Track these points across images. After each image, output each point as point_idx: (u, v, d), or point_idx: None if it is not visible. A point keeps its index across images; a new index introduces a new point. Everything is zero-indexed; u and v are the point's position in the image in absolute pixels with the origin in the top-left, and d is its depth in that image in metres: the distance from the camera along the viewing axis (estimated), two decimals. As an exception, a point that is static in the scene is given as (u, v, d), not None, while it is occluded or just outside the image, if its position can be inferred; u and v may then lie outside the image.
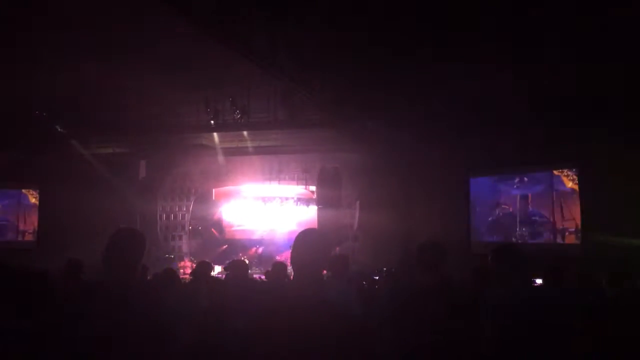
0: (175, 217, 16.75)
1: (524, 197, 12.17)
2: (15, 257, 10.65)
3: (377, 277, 10.23)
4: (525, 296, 3.14)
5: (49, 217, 15.31)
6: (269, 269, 7.17)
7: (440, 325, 2.92)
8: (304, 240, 2.82)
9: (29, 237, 15.75)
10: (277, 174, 15.81)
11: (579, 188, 11.15)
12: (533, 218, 12.04)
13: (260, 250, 16.59)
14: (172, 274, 5.79)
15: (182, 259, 15.97)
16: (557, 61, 8.68)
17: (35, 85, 10.01)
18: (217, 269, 14.95)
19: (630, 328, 3.47)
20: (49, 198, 15.49)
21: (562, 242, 11.37)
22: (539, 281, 5.40)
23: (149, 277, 7.25)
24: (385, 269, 11.14)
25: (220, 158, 14.93)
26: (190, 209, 16.79)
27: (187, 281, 7.66)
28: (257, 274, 12.59)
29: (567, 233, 11.39)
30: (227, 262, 14.50)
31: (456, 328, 2.93)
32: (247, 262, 7.24)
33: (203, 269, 5.73)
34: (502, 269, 3.27)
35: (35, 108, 11.46)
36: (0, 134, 12.00)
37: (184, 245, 16.71)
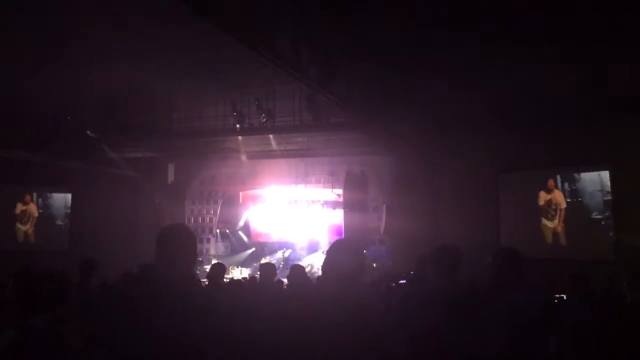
0: (203, 220, 16.91)
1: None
2: (48, 259, 10.86)
3: (404, 281, 10.15)
4: (526, 302, 3.07)
5: (80, 220, 15.61)
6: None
7: (447, 329, 2.88)
8: (337, 250, 2.87)
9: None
10: (303, 177, 15.82)
11: (612, 189, 10.90)
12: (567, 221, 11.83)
13: (286, 253, 16.61)
14: (192, 276, 5.82)
15: (209, 262, 16.09)
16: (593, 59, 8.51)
17: (67, 90, 10.22)
18: (245, 272, 15.08)
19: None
20: (80, 201, 15.81)
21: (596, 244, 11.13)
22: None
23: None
24: (412, 272, 11.02)
25: (247, 161, 15.04)
26: (218, 212, 16.93)
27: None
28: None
29: (600, 235, 11.14)
30: (255, 265, 14.60)
31: (462, 333, 2.89)
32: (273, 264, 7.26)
33: (217, 271, 5.75)
34: (502, 273, 3.22)
35: (67, 113, 11.70)
36: (34, 138, 12.28)
37: (212, 248, 16.86)
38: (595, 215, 11.40)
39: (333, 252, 2.92)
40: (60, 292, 2.81)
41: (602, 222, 11.25)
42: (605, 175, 11.17)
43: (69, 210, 16.12)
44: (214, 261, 15.93)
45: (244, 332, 3.56)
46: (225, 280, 6.98)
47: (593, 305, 3.84)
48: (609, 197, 11.06)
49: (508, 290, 3.15)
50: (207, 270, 15.22)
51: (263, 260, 16.11)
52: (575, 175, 11.74)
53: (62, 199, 16.23)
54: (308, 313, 2.73)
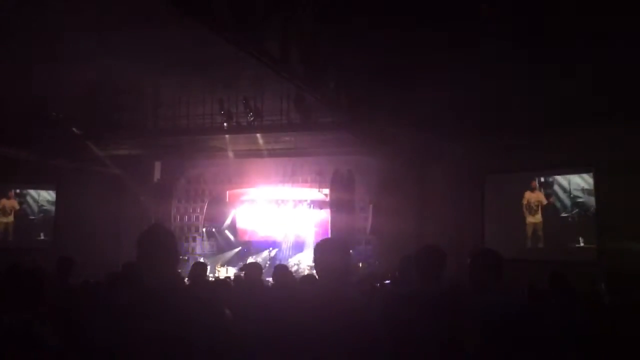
0: (189, 218, 16.83)
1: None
2: (31, 256, 10.76)
3: (389, 281, 10.19)
4: (501, 305, 3.08)
5: (64, 217, 15.48)
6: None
7: (425, 329, 2.90)
8: (324, 248, 2.88)
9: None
10: (290, 177, 15.81)
11: (595, 191, 11.03)
12: (549, 223, 11.95)
13: (273, 252, 16.59)
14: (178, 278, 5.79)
15: (195, 260, 16.04)
16: (572, 61, 8.59)
17: (52, 86, 10.13)
18: (231, 271, 15.03)
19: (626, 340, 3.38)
20: (65, 198, 15.67)
21: (578, 246, 11.26)
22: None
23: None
24: (397, 273, 11.07)
25: (234, 160, 15.01)
26: (204, 210, 16.86)
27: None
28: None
29: (582, 238, 11.27)
30: (241, 264, 14.57)
31: (440, 333, 2.91)
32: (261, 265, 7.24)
33: (198, 270, 5.72)
34: (479, 274, 3.23)
35: (51, 109, 11.59)
36: (17, 134, 12.14)
37: (198, 247, 16.78)
38: (574, 217, 11.53)
39: (320, 250, 2.92)
40: (31, 289, 2.79)
41: (583, 224, 11.37)
42: (588, 178, 11.30)
43: (50, 206, 15.96)
44: (200, 260, 15.93)
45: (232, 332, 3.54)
46: (209, 279, 6.95)
47: (573, 307, 3.88)
48: (591, 200, 11.19)
49: (485, 291, 3.16)
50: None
51: (249, 260, 16.08)
52: (558, 177, 11.87)
53: (42, 195, 16.06)
54: (296, 313, 2.73)
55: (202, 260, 15.65)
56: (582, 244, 11.18)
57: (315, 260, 2.90)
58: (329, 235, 14.46)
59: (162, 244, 2.64)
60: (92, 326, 2.54)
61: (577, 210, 11.49)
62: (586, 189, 11.31)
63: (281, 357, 2.67)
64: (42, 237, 15.76)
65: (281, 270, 5.68)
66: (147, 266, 2.59)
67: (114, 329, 2.41)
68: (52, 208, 16.00)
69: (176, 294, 2.56)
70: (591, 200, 11.19)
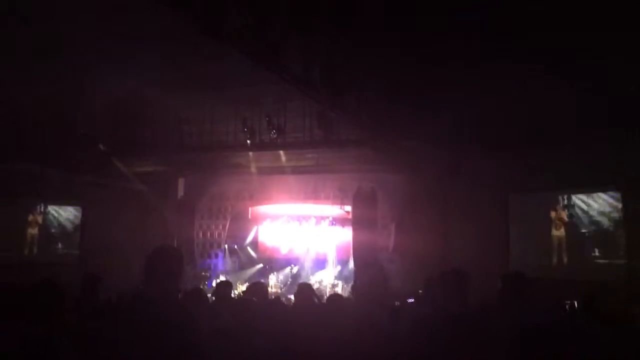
0: (211, 235, 16.89)
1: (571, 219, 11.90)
2: (57, 273, 10.89)
3: (412, 300, 10.03)
4: (530, 326, 3.03)
5: (90, 234, 15.67)
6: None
7: (456, 354, 2.83)
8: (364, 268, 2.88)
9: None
10: (312, 194, 15.79)
11: (623, 212, 10.78)
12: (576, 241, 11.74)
13: (294, 270, 16.52)
14: (199, 293, 5.76)
15: (217, 277, 16.05)
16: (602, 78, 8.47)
17: (78, 103, 10.32)
18: (252, 288, 14.97)
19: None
20: (90, 215, 15.87)
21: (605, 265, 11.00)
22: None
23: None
24: (421, 291, 10.92)
25: (257, 177, 15.06)
26: (227, 227, 16.91)
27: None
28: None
29: (610, 256, 11.02)
30: (262, 280, 14.55)
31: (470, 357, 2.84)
32: (270, 285, 7.16)
33: (223, 288, 5.68)
34: (508, 297, 3.22)
35: (79, 126, 11.80)
36: (44, 151, 12.38)
37: (220, 263, 16.81)
38: (601, 237, 11.33)
39: (364, 277, 2.93)
40: (53, 303, 2.80)
41: (609, 244, 11.15)
42: (614, 197, 11.10)
43: (67, 223, 16.21)
44: (221, 277, 15.95)
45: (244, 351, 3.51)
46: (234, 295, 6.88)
47: (600, 327, 3.76)
48: (618, 219, 10.94)
49: (515, 312, 3.12)
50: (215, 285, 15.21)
51: (271, 276, 16.04)
52: (583, 196, 11.70)
53: (61, 213, 16.35)
54: (320, 334, 2.71)
55: (223, 277, 15.70)
56: (605, 260, 10.95)
57: (355, 283, 2.90)
58: (352, 254, 14.38)
59: (166, 266, 2.65)
60: (109, 345, 2.55)
61: (594, 227, 11.46)
62: (603, 211, 11.15)
63: None
64: (60, 247, 15.93)
65: (305, 289, 5.60)
66: (150, 287, 2.62)
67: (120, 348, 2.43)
68: (69, 225, 16.23)
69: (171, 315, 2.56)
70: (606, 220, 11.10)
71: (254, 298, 5.13)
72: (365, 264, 3.44)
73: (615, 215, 11.03)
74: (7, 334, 2.57)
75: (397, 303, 7.63)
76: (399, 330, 3.09)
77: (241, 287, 14.93)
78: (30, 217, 15.93)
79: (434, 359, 2.77)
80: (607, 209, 11.24)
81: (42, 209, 16.15)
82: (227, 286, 5.80)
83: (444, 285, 3.19)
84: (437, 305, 3.33)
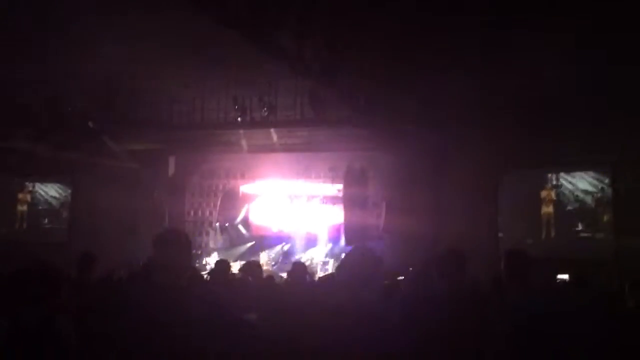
0: (202, 213, 16.89)
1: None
2: (47, 251, 10.89)
3: (402, 278, 10.15)
4: (526, 307, 3.09)
5: (80, 211, 15.62)
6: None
7: (449, 332, 2.89)
8: (355, 256, 2.91)
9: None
10: (304, 172, 15.80)
11: (613, 189, 10.92)
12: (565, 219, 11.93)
13: (285, 247, 16.61)
14: (194, 272, 5.76)
15: (208, 255, 16.11)
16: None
17: (67, 80, 10.20)
18: (244, 265, 15.07)
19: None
20: (80, 192, 15.80)
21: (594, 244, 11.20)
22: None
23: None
24: (410, 269, 11.04)
25: (248, 155, 15.03)
26: (218, 205, 16.91)
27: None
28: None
29: (598, 235, 11.21)
30: (253, 258, 14.62)
31: (465, 336, 2.90)
32: (261, 263, 7.19)
33: (221, 267, 5.67)
34: (512, 274, 3.27)
35: (67, 104, 11.68)
36: (33, 129, 12.26)
37: (211, 241, 16.85)
38: (590, 216, 11.54)
39: (350, 258, 2.96)
40: (52, 285, 2.81)
41: (599, 223, 11.35)
42: (596, 177, 11.30)
43: (54, 201, 16.15)
44: (214, 254, 16.01)
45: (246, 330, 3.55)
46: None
47: (599, 310, 3.83)
48: (607, 197, 11.11)
49: (514, 291, 3.18)
50: (207, 262, 15.29)
51: (262, 254, 16.12)
52: (576, 174, 11.86)
53: (53, 189, 16.27)
54: (314, 315, 2.74)
55: (215, 254, 15.77)
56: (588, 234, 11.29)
57: (341, 265, 2.92)
58: (343, 232, 14.47)
59: (178, 246, 2.67)
60: (109, 323, 2.57)
61: (578, 205, 11.85)
62: (587, 190, 11.49)
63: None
64: (46, 222, 15.92)
65: (299, 269, 5.64)
66: (161, 266, 2.63)
67: (127, 327, 2.44)
68: (56, 202, 16.16)
69: (190, 292, 2.58)
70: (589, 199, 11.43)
71: (249, 277, 5.17)
72: (355, 247, 3.51)
73: (598, 194, 11.28)
74: (8, 318, 2.59)
75: (385, 282, 7.72)
76: (393, 310, 3.13)
77: (233, 265, 15.02)
78: (20, 195, 15.83)
79: (430, 339, 2.83)
80: (591, 188, 11.50)
81: (31, 187, 16.04)
82: (224, 265, 5.80)
83: (440, 265, 3.23)
84: (433, 285, 3.37)
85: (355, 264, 2.85)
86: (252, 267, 5.42)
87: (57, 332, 2.58)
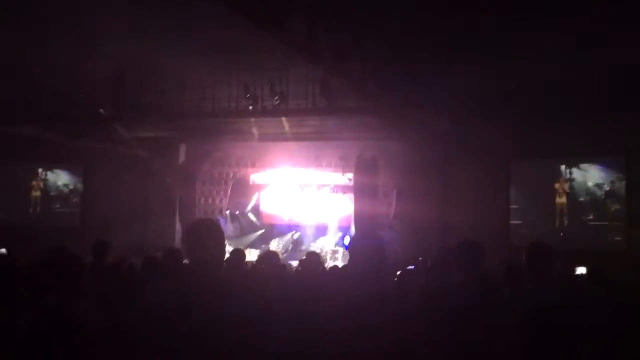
0: (213, 201, 16.95)
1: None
2: (60, 237, 10.99)
3: (412, 267, 10.15)
4: (552, 298, 3.07)
5: (91, 198, 15.74)
6: (303, 257, 7.13)
7: (462, 322, 2.89)
8: (360, 244, 2.89)
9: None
10: (314, 161, 15.79)
11: (626, 180, 10.81)
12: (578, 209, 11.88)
13: (295, 236, 16.66)
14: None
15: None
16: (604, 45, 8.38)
17: (79, 67, 10.23)
18: (254, 253, 15.15)
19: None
20: (92, 179, 15.91)
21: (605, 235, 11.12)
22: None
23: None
24: (421, 258, 11.04)
25: (258, 143, 15.04)
26: (228, 193, 16.97)
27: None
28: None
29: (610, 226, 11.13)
30: (263, 246, 14.65)
31: (478, 326, 2.90)
32: (277, 252, 7.15)
33: (237, 257, 5.63)
34: (533, 266, 3.24)
35: (79, 90, 11.72)
36: (45, 115, 12.33)
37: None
38: (603, 206, 11.46)
39: (355, 247, 2.94)
40: (72, 271, 2.83)
41: (611, 214, 11.28)
42: (614, 166, 11.20)
43: (64, 188, 16.26)
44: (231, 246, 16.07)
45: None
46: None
47: (613, 303, 3.79)
48: (620, 188, 11.00)
49: (533, 283, 3.17)
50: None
51: (272, 242, 16.17)
52: (585, 165, 11.78)
53: (65, 176, 16.37)
54: (328, 305, 2.74)
55: (225, 242, 15.82)
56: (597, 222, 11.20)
57: (350, 255, 2.91)
58: (353, 220, 14.47)
59: (212, 240, 2.63)
60: (132, 310, 2.57)
61: (590, 197, 11.79)
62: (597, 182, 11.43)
63: (315, 349, 2.68)
64: (58, 207, 16.06)
65: (312, 259, 5.62)
66: (194, 259, 2.59)
67: (153, 316, 2.43)
68: (67, 189, 16.27)
69: (221, 291, 2.54)
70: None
71: (262, 266, 5.16)
72: (362, 234, 3.50)
73: (610, 185, 11.21)
74: (29, 307, 2.61)
75: (398, 272, 7.71)
76: (407, 299, 3.13)
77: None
78: (33, 182, 15.96)
79: (444, 329, 2.83)
80: (602, 180, 11.43)
81: (44, 175, 16.17)
82: (240, 254, 5.76)
83: (458, 255, 3.21)
84: (451, 276, 3.36)
85: (362, 252, 2.83)
86: (270, 257, 5.40)
87: (80, 319, 2.59)
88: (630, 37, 8.06)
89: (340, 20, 8.18)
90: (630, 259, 8.66)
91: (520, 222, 12.59)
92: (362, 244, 2.84)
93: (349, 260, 3.02)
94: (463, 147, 12.94)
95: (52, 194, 16.22)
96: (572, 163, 12.00)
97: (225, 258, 2.75)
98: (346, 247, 14.47)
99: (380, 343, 2.45)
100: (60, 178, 16.33)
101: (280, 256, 14.93)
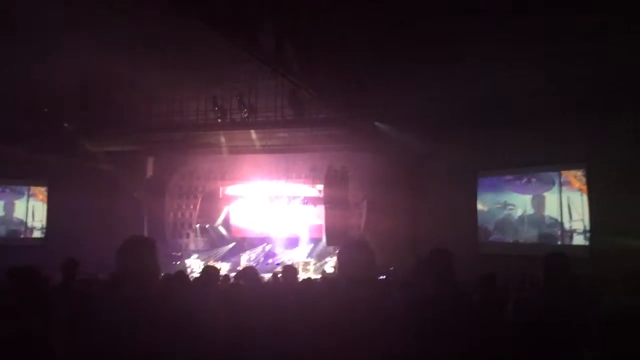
0: (182, 214, 16.78)
1: (536, 198, 12.14)
2: (24, 255, 10.71)
3: (384, 277, 10.22)
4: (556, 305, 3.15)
5: (57, 214, 15.39)
6: (280, 269, 7.09)
7: (457, 334, 2.92)
8: (350, 251, 2.90)
9: (37, 234, 15.88)
10: (284, 173, 15.80)
11: (587, 188, 11.06)
12: (541, 219, 12.02)
13: (266, 248, 16.58)
14: (183, 277, 5.66)
15: (188, 257, 16.01)
16: (567, 60, 8.61)
17: (44, 82, 10.05)
18: (225, 267, 15.02)
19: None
20: (57, 195, 15.56)
21: (569, 243, 11.31)
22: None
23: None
24: (392, 268, 11.12)
25: (228, 156, 14.97)
26: (198, 207, 16.82)
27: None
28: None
29: (574, 234, 11.32)
30: (233, 259, 14.51)
31: (473, 336, 2.94)
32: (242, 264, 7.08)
33: (210, 275, 5.54)
34: (551, 276, 3.31)
35: (43, 105, 11.50)
36: (9, 130, 12.05)
37: (191, 243, 16.75)
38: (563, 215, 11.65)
39: (346, 253, 2.95)
40: (39, 293, 2.76)
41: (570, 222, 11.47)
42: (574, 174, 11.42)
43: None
44: (194, 256, 15.91)
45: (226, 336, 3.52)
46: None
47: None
48: (580, 197, 11.23)
49: (553, 292, 3.23)
50: (186, 265, 15.14)
51: (243, 255, 16.06)
52: (547, 174, 11.98)
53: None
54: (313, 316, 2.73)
55: (195, 256, 15.67)
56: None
57: (340, 263, 2.92)
58: (323, 232, 14.48)
59: (144, 253, 2.61)
60: (92, 329, 2.52)
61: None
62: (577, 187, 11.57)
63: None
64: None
65: (288, 270, 5.59)
66: (129, 276, 2.58)
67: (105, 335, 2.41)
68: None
69: (159, 300, 2.54)
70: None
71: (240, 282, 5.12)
72: (353, 243, 3.52)
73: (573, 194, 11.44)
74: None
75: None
76: (391, 309, 3.13)
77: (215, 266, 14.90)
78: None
79: (424, 338, 2.84)
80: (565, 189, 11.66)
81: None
82: (214, 271, 5.67)
83: (431, 266, 3.23)
84: (424, 285, 3.38)
85: (354, 260, 2.84)
86: (247, 273, 5.34)
87: (45, 342, 2.52)
88: (594, 50, 8.30)
89: (308, 33, 8.23)
90: (593, 264, 8.86)
91: (487, 233, 12.78)
92: (352, 255, 2.86)
93: (339, 270, 3.02)
94: (432, 159, 13.12)
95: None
96: (538, 171, 12.16)
97: (160, 274, 2.74)
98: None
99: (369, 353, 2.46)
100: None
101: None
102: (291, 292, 4.71)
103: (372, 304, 2.65)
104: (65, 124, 12.16)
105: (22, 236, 15.81)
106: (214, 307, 3.68)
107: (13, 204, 16.00)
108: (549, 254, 3.55)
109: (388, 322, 2.62)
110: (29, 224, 15.98)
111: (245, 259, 15.81)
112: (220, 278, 7.57)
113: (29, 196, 16.05)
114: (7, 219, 15.93)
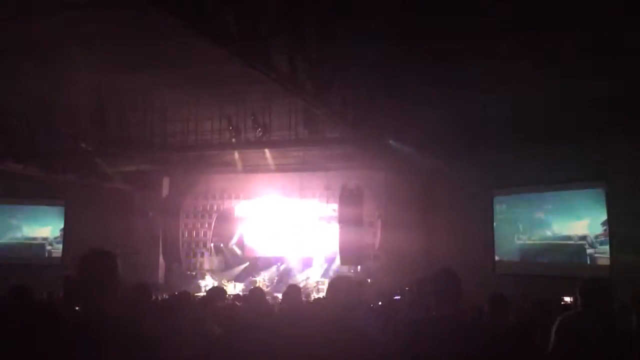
0: (197, 234, 16.81)
1: (554, 217, 11.99)
2: (42, 274, 10.81)
3: (398, 297, 10.09)
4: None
5: (73, 234, 15.50)
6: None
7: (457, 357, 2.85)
8: (336, 286, 2.92)
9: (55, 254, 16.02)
10: (298, 192, 15.78)
11: (607, 207, 10.88)
12: (560, 239, 11.86)
13: (281, 268, 16.48)
14: (186, 297, 5.61)
15: (203, 276, 15.99)
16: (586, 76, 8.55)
17: (61, 102, 10.19)
18: (239, 287, 14.96)
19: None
20: (74, 214, 15.70)
21: (588, 262, 11.13)
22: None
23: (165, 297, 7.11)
24: (407, 288, 10.98)
25: (242, 176, 15.01)
26: (212, 226, 16.83)
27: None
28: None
29: (595, 254, 11.13)
30: (249, 279, 14.41)
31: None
32: (262, 288, 7.00)
33: (214, 295, 5.49)
34: (590, 303, 3.20)
35: (60, 125, 11.64)
36: (26, 150, 12.20)
37: (206, 262, 16.73)
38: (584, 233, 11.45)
39: (332, 289, 2.97)
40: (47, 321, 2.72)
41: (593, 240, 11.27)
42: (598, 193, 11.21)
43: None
44: (208, 276, 15.88)
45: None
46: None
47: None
48: (602, 215, 11.04)
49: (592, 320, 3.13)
50: (201, 284, 15.10)
51: (258, 278, 15.95)
52: (566, 192, 11.80)
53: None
54: (305, 341, 2.69)
55: (209, 276, 15.63)
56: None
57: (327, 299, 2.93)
58: (338, 251, 14.38)
59: (101, 267, 2.56)
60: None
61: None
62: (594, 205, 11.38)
63: None
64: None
65: (292, 292, 5.53)
66: (85, 291, 2.52)
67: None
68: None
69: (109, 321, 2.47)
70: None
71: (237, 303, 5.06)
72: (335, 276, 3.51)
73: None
74: None
75: (379, 302, 7.65)
76: (394, 334, 3.08)
77: (227, 286, 14.89)
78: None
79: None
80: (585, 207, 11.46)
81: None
82: (219, 291, 5.63)
83: (436, 287, 3.15)
84: (429, 307, 3.31)
85: (339, 290, 2.85)
86: (254, 294, 5.27)
87: None
88: (611, 69, 8.24)
89: (321, 53, 8.27)
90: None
91: (504, 253, 12.62)
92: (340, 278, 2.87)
93: (326, 293, 3.02)
94: (446, 177, 13.03)
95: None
96: (556, 190, 12.00)
97: (120, 291, 2.66)
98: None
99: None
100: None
101: (267, 289, 14.90)
102: (285, 314, 4.65)
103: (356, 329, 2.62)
104: (82, 144, 12.28)
105: (41, 256, 15.94)
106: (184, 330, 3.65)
107: (31, 224, 16.17)
108: (588, 279, 3.41)
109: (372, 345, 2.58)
110: (47, 245, 16.12)
111: (261, 279, 15.70)
112: (230, 297, 7.51)
113: (46, 216, 16.22)
114: (25, 238, 16.09)
